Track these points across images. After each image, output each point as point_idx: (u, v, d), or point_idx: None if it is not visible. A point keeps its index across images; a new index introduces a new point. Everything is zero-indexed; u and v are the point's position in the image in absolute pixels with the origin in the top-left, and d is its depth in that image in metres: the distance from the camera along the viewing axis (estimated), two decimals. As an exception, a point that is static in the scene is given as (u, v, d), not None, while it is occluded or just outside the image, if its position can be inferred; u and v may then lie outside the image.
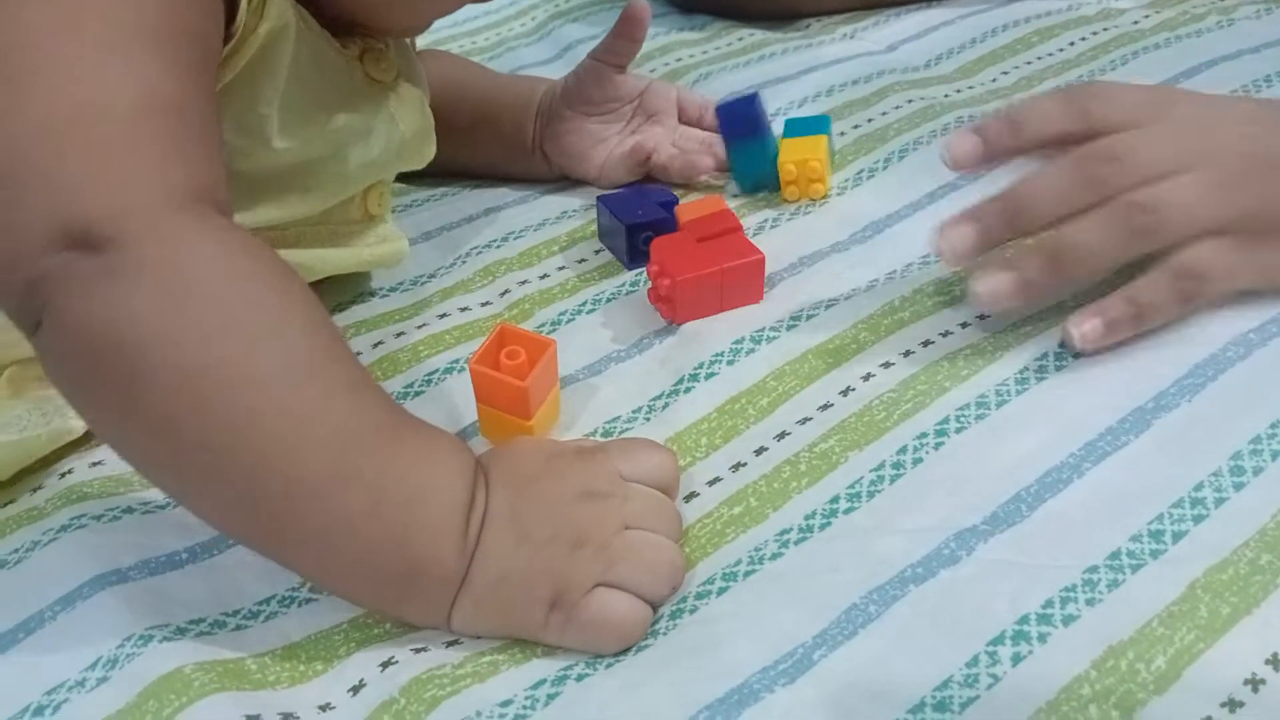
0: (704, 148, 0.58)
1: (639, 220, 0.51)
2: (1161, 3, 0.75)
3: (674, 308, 0.47)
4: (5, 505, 0.41)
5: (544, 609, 0.33)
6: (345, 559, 0.33)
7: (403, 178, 0.59)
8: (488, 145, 0.61)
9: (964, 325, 0.46)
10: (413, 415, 0.35)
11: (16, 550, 0.39)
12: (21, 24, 0.32)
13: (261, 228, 0.45)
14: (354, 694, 0.33)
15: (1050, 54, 0.69)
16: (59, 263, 0.31)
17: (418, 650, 0.34)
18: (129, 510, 0.40)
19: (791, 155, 0.55)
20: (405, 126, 0.49)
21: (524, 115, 0.60)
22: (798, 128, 0.56)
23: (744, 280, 0.47)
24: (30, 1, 0.32)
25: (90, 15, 0.32)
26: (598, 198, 0.54)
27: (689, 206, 0.52)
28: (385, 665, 0.34)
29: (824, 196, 0.55)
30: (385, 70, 0.47)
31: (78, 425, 0.42)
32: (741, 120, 0.55)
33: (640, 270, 0.51)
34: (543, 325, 0.50)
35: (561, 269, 0.54)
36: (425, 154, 0.51)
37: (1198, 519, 0.35)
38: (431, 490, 0.33)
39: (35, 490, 0.42)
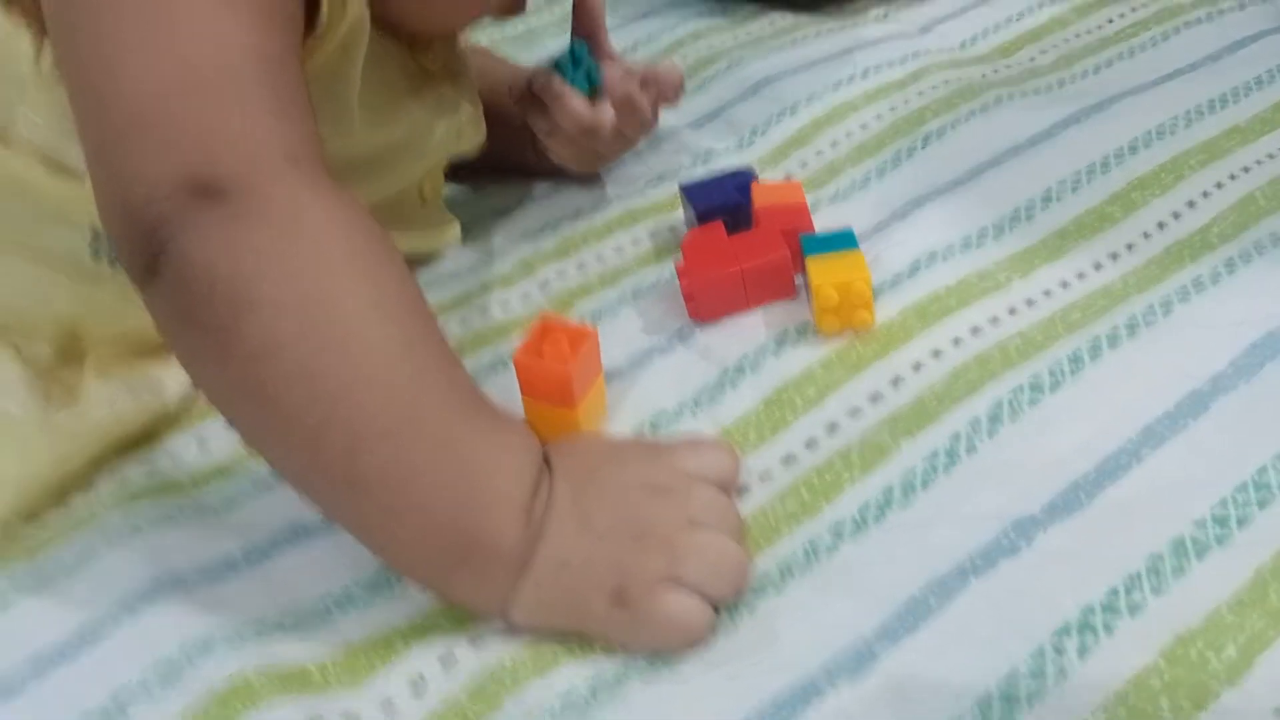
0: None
1: (711, 206, 0.51)
2: (1202, -26, 0.73)
3: (698, 305, 0.47)
4: (63, 509, 0.42)
5: (605, 600, 0.33)
6: (406, 513, 0.33)
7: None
8: (500, 137, 0.58)
9: (1012, 311, 0.45)
10: (485, 394, 0.36)
11: (77, 555, 0.39)
12: None
13: None
14: (414, 690, 0.33)
15: (1089, 31, 0.68)
16: (184, 206, 0.33)
17: (475, 641, 0.34)
18: (182, 513, 0.40)
19: (829, 278, 0.43)
20: (461, 111, 0.50)
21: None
22: (820, 244, 0.46)
23: (770, 277, 0.47)
24: None
25: None
26: (680, 185, 0.54)
27: (767, 189, 0.51)
28: (446, 663, 0.34)
29: (870, 325, 0.45)
30: (433, 60, 0.49)
31: (170, 399, 0.44)
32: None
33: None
34: (583, 317, 0.49)
35: (599, 259, 0.53)
36: (478, 138, 0.53)
37: (1262, 503, 0.35)
38: (501, 462, 0.34)
39: (90, 494, 0.42)
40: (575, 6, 0.55)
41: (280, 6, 0.37)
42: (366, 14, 0.42)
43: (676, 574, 0.33)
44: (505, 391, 0.44)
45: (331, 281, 0.33)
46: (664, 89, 0.55)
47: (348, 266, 0.34)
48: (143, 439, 0.44)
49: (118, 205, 0.34)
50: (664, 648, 0.33)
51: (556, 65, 0.53)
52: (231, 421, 0.36)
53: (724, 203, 0.51)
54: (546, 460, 0.36)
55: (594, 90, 0.54)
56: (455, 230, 0.54)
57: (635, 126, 0.55)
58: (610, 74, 0.54)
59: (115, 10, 0.34)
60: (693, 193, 0.52)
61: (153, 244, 0.33)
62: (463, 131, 0.51)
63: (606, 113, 0.53)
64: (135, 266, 0.34)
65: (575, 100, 0.53)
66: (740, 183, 0.52)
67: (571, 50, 0.53)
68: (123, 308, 0.43)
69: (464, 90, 0.51)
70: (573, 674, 0.33)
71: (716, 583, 0.34)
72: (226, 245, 0.33)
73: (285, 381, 0.33)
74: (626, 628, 0.33)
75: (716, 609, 0.34)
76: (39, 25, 0.37)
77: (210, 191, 0.33)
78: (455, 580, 0.34)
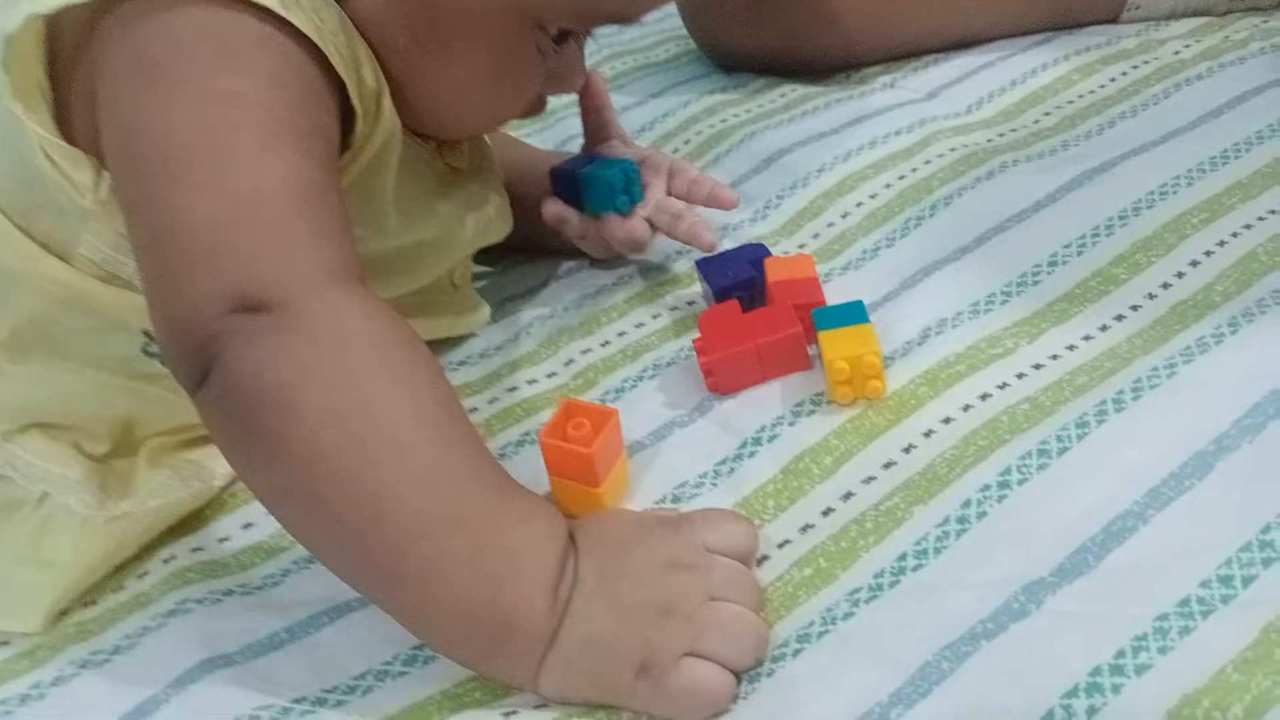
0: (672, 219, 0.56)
1: (727, 283, 0.53)
2: (1203, 30, 0.75)
3: (717, 380, 0.49)
4: (116, 592, 0.44)
5: (631, 674, 0.35)
6: (444, 602, 0.35)
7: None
8: (524, 220, 0.60)
9: (1020, 376, 0.46)
10: (514, 479, 0.38)
11: (129, 635, 0.41)
12: (190, 125, 0.38)
13: None
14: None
15: (1092, 91, 0.69)
16: (232, 323, 0.36)
17: (508, 715, 0.36)
18: (229, 593, 0.43)
19: (840, 351, 0.46)
20: (489, 205, 0.53)
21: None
22: (831, 318, 0.48)
23: (785, 351, 0.49)
24: (195, 107, 0.38)
25: (245, 117, 0.38)
26: (696, 261, 0.56)
27: (779, 263, 0.53)
28: (480, 738, 0.36)
29: (882, 394, 0.46)
30: (459, 159, 0.52)
31: (216, 483, 0.47)
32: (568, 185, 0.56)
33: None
34: (607, 393, 0.51)
35: (621, 335, 0.56)
36: (506, 229, 0.56)
37: (1267, 562, 0.36)
38: (529, 546, 0.36)
39: (142, 576, 0.45)
40: (581, 92, 0.58)
41: (317, 134, 0.40)
42: (398, 126, 0.45)
43: (699, 648, 0.35)
44: (533, 467, 0.46)
45: (369, 388, 0.36)
46: (718, 205, 0.58)
47: (384, 372, 0.36)
48: (191, 521, 0.47)
49: (172, 324, 0.37)
50: (688, 717, 0.35)
51: (606, 181, 0.55)
52: (279, 519, 0.38)
53: (738, 277, 0.53)
54: (572, 537, 0.38)
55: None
56: (485, 313, 0.56)
57: (688, 239, 0.56)
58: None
59: (170, 155, 0.37)
60: (708, 269, 0.54)
61: (205, 358, 0.36)
62: (491, 224, 0.54)
63: (646, 230, 0.56)
64: (188, 378, 0.37)
65: (629, 229, 0.55)
66: (753, 257, 0.54)
67: (625, 172, 0.55)
68: (173, 401, 0.46)
69: (490, 184, 0.54)
70: (600, 744, 0.34)
71: (737, 653, 0.35)
72: (271, 357, 0.35)
73: (329, 484, 0.35)
74: (651, 699, 0.35)
75: (738, 677, 0.36)
76: (99, 157, 0.41)
77: (254, 307, 0.36)
78: (488, 658, 0.36)
